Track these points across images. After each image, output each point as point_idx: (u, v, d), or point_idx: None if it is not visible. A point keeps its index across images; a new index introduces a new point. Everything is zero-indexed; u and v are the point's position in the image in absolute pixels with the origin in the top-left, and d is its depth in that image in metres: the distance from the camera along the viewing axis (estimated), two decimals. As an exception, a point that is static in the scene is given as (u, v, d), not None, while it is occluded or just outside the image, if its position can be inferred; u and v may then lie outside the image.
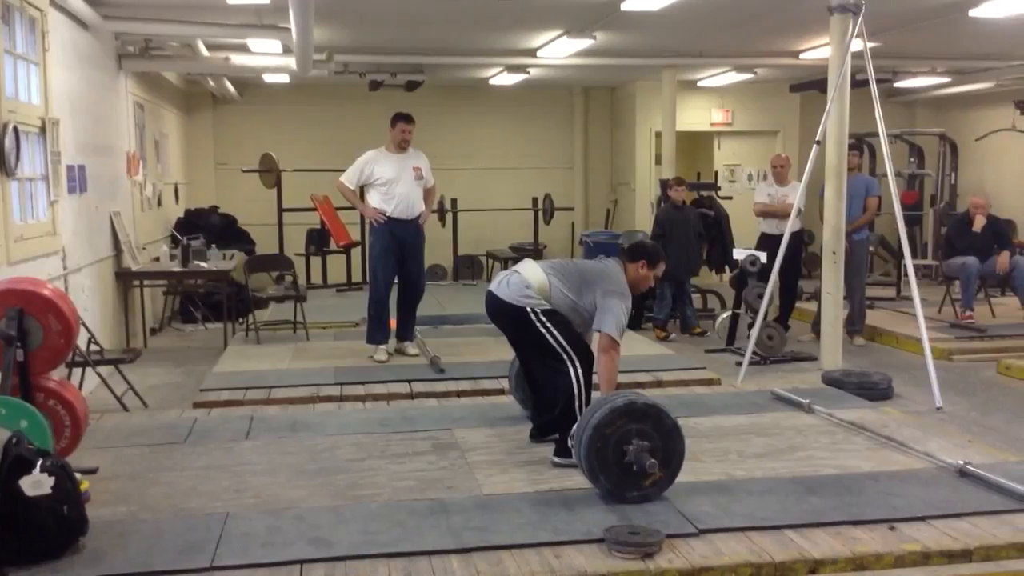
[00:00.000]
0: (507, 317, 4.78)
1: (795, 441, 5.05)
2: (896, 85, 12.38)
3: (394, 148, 7.25)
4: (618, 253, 5.03)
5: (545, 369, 4.73)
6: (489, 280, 12.69)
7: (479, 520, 3.87)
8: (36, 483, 3.48)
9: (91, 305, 7.05)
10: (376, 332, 7.33)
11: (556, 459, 4.61)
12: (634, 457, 3.99)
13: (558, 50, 9.83)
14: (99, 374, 6.16)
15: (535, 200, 12.62)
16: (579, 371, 4.62)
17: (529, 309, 4.64)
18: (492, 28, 8.94)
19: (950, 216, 11.37)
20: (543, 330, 4.62)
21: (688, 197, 9.56)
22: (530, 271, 4.77)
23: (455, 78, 12.52)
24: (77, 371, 5.97)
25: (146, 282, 8.86)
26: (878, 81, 6.86)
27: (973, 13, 7.78)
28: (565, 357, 4.62)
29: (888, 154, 6.87)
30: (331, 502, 4.15)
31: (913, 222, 11.99)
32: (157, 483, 4.42)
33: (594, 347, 4.73)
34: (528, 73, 11.38)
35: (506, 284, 4.77)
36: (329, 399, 6.29)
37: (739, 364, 7.21)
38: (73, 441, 4.47)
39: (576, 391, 4.61)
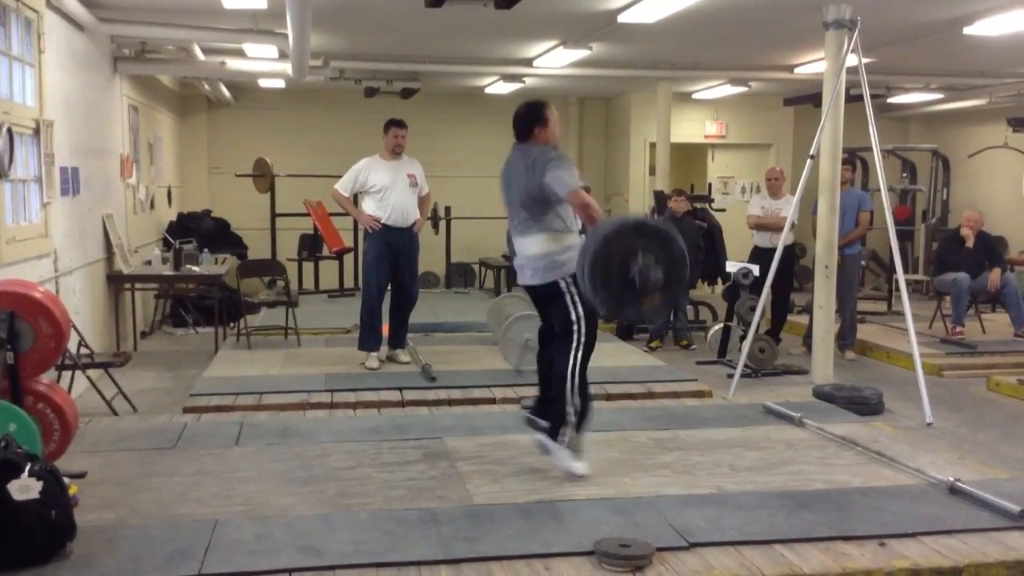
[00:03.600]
0: (547, 296, 4.64)
1: (786, 455, 5.05)
2: (890, 101, 12.45)
3: (388, 155, 7.26)
4: (517, 140, 4.71)
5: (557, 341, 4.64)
6: (481, 288, 12.77)
7: (469, 530, 3.86)
8: (24, 487, 3.45)
9: (82, 308, 7.02)
10: (368, 339, 7.32)
11: (544, 441, 4.62)
12: (639, 270, 3.94)
13: (554, 60, 9.85)
14: (89, 378, 6.14)
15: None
16: (579, 352, 4.53)
17: (561, 280, 4.51)
18: (488, 37, 8.96)
19: (941, 232, 11.43)
20: (569, 301, 4.50)
21: (684, 208, 9.57)
22: (533, 245, 4.58)
23: (450, 86, 12.54)
24: (67, 374, 5.94)
25: (137, 285, 8.82)
26: (872, 96, 6.89)
27: (968, 30, 7.83)
28: (575, 330, 4.50)
29: (881, 169, 6.90)
30: (321, 510, 4.13)
31: (905, 237, 12.03)
32: (146, 488, 4.40)
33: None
34: (524, 82, 11.40)
35: (531, 269, 4.63)
36: (320, 406, 6.27)
37: (730, 376, 7.22)
38: (62, 445, 4.45)
39: (570, 374, 4.51)
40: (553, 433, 4.61)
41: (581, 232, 4.61)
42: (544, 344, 4.91)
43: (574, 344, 4.54)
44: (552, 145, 4.66)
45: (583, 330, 4.54)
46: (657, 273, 3.96)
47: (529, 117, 4.64)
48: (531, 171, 4.51)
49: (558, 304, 4.58)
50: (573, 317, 4.53)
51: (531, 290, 4.78)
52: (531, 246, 4.61)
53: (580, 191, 4.46)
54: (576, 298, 4.52)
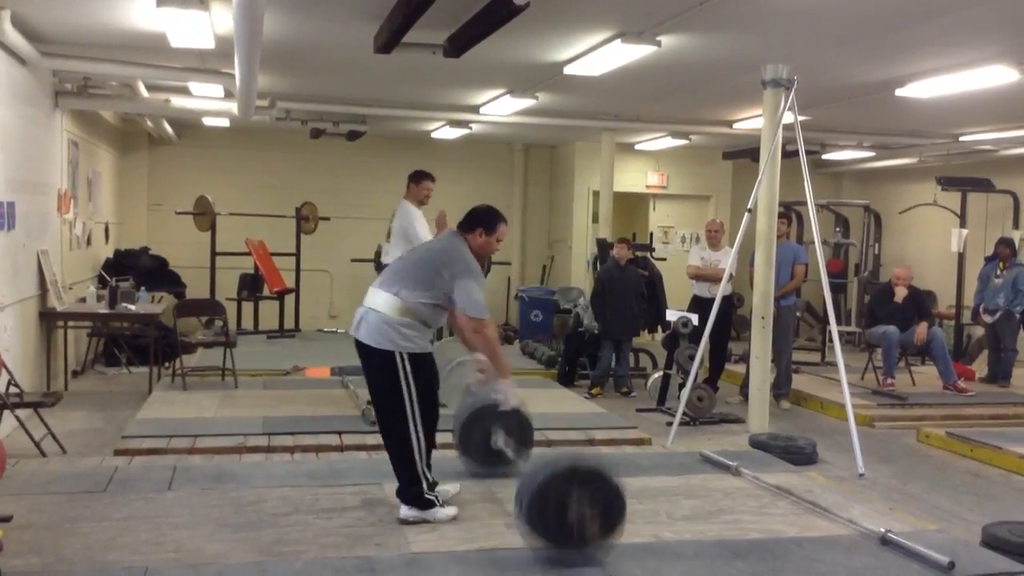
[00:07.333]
0: (375, 360, 4.57)
1: (723, 504, 5.11)
2: (824, 157, 12.83)
3: (417, 204, 7.20)
4: (458, 226, 4.82)
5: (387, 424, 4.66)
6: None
7: (407, 579, 3.82)
8: (-54, 533, 3.35)
9: (12, 345, 6.84)
10: None
11: (407, 515, 4.57)
12: (576, 517, 3.97)
13: (501, 108, 9.97)
14: (17, 417, 5.97)
15: None
16: (419, 431, 4.54)
17: (397, 353, 4.49)
18: (436, 84, 9.04)
19: (873, 285, 11.74)
20: (403, 381, 4.48)
21: (628, 256, 9.66)
22: (381, 302, 4.55)
23: (397, 130, 12.60)
24: (-6, 414, 5.78)
25: (71, 323, 8.62)
26: (807, 153, 7.10)
27: (900, 92, 8.13)
28: (410, 416, 4.51)
29: (816, 223, 7.09)
30: (255, 558, 4.06)
31: (838, 290, 12.34)
32: (74, 534, 4.28)
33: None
34: (470, 128, 11.51)
35: (366, 324, 4.57)
36: (256, 450, 6.18)
37: (669, 424, 7.28)
38: (-13, 488, 4.32)
39: (415, 453, 4.55)
40: (411, 500, 4.56)
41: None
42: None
43: (412, 435, 4.50)
44: (480, 253, 4.72)
45: (417, 418, 4.50)
46: (594, 523, 4.00)
47: (484, 218, 4.73)
48: (445, 263, 4.55)
49: (389, 376, 4.49)
50: (406, 403, 4.47)
51: (361, 348, 4.62)
52: (382, 304, 4.54)
53: (487, 323, 4.52)
54: (411, 378, 4.47)
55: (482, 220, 4.73)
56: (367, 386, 4.80)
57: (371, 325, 4.54)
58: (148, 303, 9.31)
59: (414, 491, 4.57)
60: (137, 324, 9.20)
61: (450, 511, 4.63)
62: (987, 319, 9.76)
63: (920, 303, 9.35)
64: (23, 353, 7.25)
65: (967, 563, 4.17)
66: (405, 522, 4.54)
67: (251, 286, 11.95)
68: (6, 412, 5.86)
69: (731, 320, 9.41)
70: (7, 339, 6.69)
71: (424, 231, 7.02)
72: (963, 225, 11.26)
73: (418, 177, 7.22)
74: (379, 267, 7.24)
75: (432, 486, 4.63)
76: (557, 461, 4.20)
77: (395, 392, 4.50)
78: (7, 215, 6.72)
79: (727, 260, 7.94)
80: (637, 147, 13.11)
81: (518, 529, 4.18)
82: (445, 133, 12.21)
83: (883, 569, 4.11)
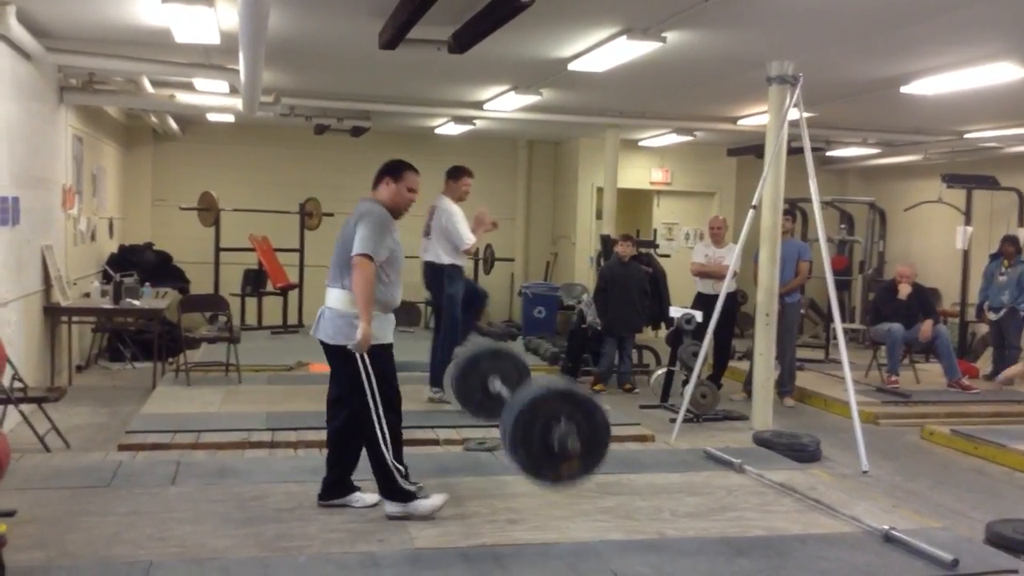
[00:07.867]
0: (335, 357, 4.60)
1: (726, 501, 5.11)
2: (829, 154, 12.81)
3: (456, 200, 7.28)
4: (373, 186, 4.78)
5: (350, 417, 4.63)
6: (427, 327, 12.73)
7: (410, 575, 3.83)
8: (-50, 527, 3.35)
9: (16, 340, 6.84)
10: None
11: (391, 510, 4.57)
12: (558, 437, 3.98)
13: (505, 104, 9.96)
14: (22, 412, 5.98)
15: (476, 250, 12.67)
16: (383, 424, 4.48)
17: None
18: (441, 80, 9.04)
19: (877, 282, 11.72)
20: (363, 374, 4.43)
21: (631, 253, 9.65)
22: (333, 298, 4.55)
23: (401, 126, 12.58)
24: (-2, 408, 5.79)
25: (75, 318, 8.64)
26: (812, 149, 7.08)
27: (904, 89, 8.11)
28: (372, 408, 4.45)
29: (820, 220, 7.08)
30: (258, 553, 4.07)
31: (842, 287, 12.30)
32: (78, 528, 4.30)
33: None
34: (474, 124, 11.50)
35: (323, 321, 4.57)
36: (260, 445, 6.20)
37: (673, 421, 7.28)
38: (-9, 482, 4.32)
39: (382, 446, 4.49)
40: (391, 495, 4.56)
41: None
42: (332, 407, 4.81)
43: (377, 428, 4.43)
44: (394, 206, 4.66)
45: (381, 411, 4.44)
46: (576, 443, 4.00)
47: (389, 167, 4.71)
48: (352, 224, 4.52)
49: (349, 370, 4.46)
50: (368, 396, 4.42)
51: (322, 346, 4.65)
52: (333, 299, 4.56)
53: (367, 261, 4.37)
54: (370, 370, 4.41)
55: (387, 169, 4.70)
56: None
57: (327, 322, 4.56)
58: (152, 298, 9.32)
59: (390, 485, 4.55)
60: (141, 319, 9.21)
61: (435, 501, 4.60)
62: (991, 316, 9.75)
63: (924, 300, 9.33)
64: (27, 348, 7.26)
65: (970, 561, 4.17)
66: (392, 518, 4.52)
67: (255, 282, 11.95)
68: (10, 407, 5.87)
69: (735, 317, 9.39)
70: (11, 334, 6.69)
71: (466, 229, 7.11)
72: (968, 222, 11.24)
73: (457, 173, 7.28)
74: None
75: (406, 475, 4.58)
76: (555, 381, 4.21)
77: (356, 386, 4.46)
78: (11, 210, 6.72)
79: (731, 257, 7.93)
80: (641, 143, 13.09)
81: (501, 442, 4.17)
82: (449, 129, 12.20)
83: (886, 566, 4.11)
